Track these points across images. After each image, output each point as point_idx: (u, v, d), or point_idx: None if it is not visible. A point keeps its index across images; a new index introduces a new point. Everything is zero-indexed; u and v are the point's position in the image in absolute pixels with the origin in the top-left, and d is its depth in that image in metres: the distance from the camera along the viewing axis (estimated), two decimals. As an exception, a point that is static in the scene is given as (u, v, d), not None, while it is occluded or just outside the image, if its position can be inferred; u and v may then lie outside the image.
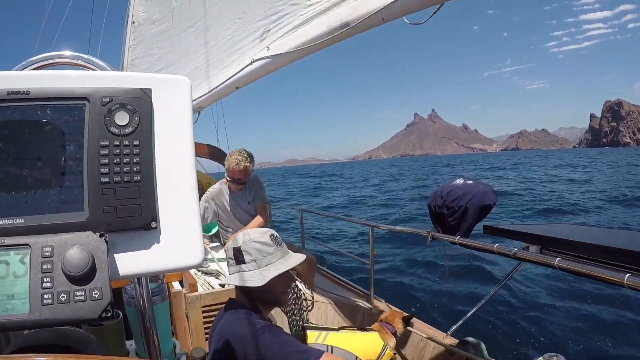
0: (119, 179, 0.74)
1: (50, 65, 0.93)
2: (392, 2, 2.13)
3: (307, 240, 5.03)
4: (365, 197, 26.09)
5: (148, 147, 0.78)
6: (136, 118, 0.77)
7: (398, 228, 3.04)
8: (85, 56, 0.94)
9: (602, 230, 2.95)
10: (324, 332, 2.26)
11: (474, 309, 2.62)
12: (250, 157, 3.74)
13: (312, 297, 3.01)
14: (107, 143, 0.74)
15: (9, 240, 0.67)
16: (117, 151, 0.75)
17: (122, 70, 7.38)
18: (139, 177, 0.76)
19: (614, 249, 1.84)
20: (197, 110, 5.17)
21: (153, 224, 0.76)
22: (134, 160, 0.76)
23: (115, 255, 0.74)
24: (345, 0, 2.51)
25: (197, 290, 2.68)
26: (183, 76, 0.88)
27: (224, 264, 3.28)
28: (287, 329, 2.86)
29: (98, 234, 0.70)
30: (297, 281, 3.07)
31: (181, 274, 2.84)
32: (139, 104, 0.78)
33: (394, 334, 2.42)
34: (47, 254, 0.66)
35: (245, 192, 3.85)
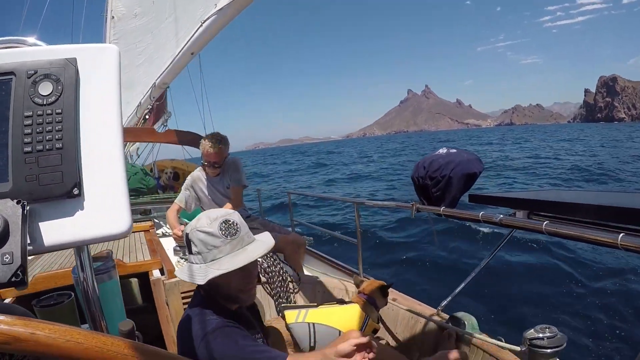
0: (41, 147, 0.75)
1: None
2: None
3: (296, 222, 4.98)
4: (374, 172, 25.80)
5: (70, 114, 0.78)
6: (60, 87, 0.78)
7: (383, 203, 2.98)
8: (21, 38, 0.92)
9: (592, 193, 2.86)
10: (303, 310, 2.23)
11: (464, 283, 2.55)
12: (224, 139, 3.69)
13: (299, 279, 2.94)
14: (30, 113, 0.76)
15: None
16: (40, 120, 0.76)
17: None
18: (60, 145, 0.76)
19: (604, 208, 1.75)
20: (162, 87, 5.09)
21: (75, 191, 0.75)
22: (56, 128, 0.76)
23: (40, 224, 0.75)
24: None
25: (175, 277, 2.60)
26: (111, 44, 0.89)
27: None
28: (273, 312, 2.79)
29: (15, 201, 0.70)
30: (281, 263, 3.00)
31: (161, 261, 2.78)
32: (63, 73, 0.79)
33: (374, 303, 2.39)
34: None
35: (223, 176, 3.78)
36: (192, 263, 1.46)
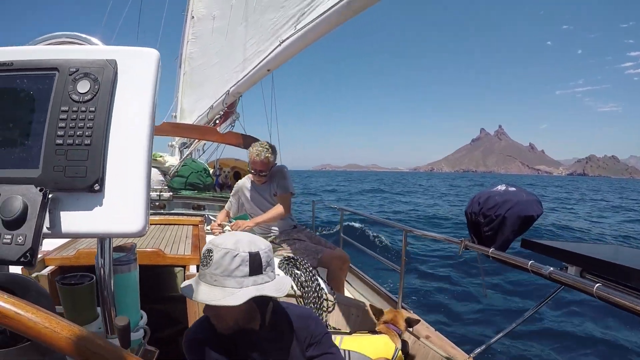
0: (71, 141, 0.80)
1: (53, 43, 1.00)
2: None
3: (344, 238, 4.97)
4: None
5: (103, 113, 0.82)
6: (96, 86, 0.83)
7: (431, 234, 2.88)
8: (82, 35, 1.01)
9: None
10: (338, 337, 2.28)
11: (501, 333, 2.42)
12: (272, 148, 3.73)
13: (335, 298, 2.90)
14: (66, 109, 0.81)
15: None
16: (74, 116, 0.81)
17: (180, 62, 7.67)
18: (89, 141, 0.80)
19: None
20: (236, 96, 5.24)
21: (96, 187, 0.80)
22: (87, 125, 0.81)
23: (61, 212, 0.80)
24: None
25: None
26: (152, 49, 0.90)
27: None
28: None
29: (39, 189, 0.77)
30: (319, 280, 2.98)
31: (199, 257, 2.86)
32: (101, 73, 0.84)
33: (400, 335, 2.41)
34: None
35: (270, 184, 3.83)
36: (268, 281, 1.42)
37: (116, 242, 1.20)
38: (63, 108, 0.81)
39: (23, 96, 0.82)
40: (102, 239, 0.98)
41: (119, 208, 0.81)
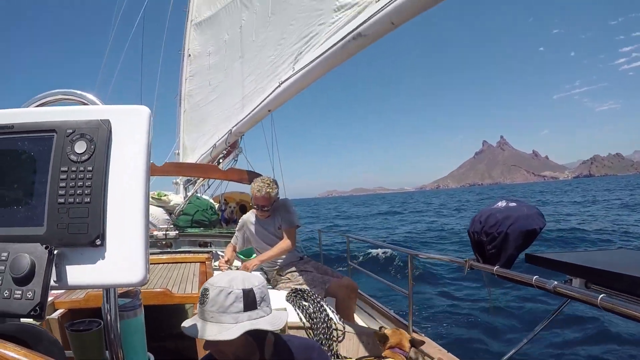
0: (72, 200, 0.85)
1: (49, 102, 1.07)
2: (397, 4, 2.19)
3: (352, 266, 4.96)
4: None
5: (100, 172, 0.88)
6: (92, 147, 0.88)
7: (437, 256, 2.88)
8: (78, 92, 1.07)
9: None
10: None
11: (513, 351, 2.39)
12: (273, 183, 3.80)
13: (344, 327, 2.88)
14: (66, 169, 0.87)
15: None
16: (73, 176, 0.86)
17: (180, 100, 7.81)
18: (89, 199, 0.85)
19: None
20: (238, 135, 5.32)
21: (98, 242, 0.84)
22: (86, 184, 0.86)
23: (67, 266, 0.85)
24: (360, 13, 2.51)
25: None
26: (143, 106, 0.97)
27: None
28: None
29: (44, 246, 0.81)
30: (327, 310, 2.97)
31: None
32: (97, 133, 0.89)
33: (406, 357, 2.39)
34: (3, 258, 0.80)
35: (274, 217, 3.87)
36: (263, 316, 1.49)
37: (122, 289, 1.24)
38: (63, 168, 0.86)
39: (25, 157, 0.88)
40: (108, 289, 1.03)
41: (120, 260, 0.86)
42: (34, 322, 0.92)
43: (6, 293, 0.78)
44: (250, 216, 4.01)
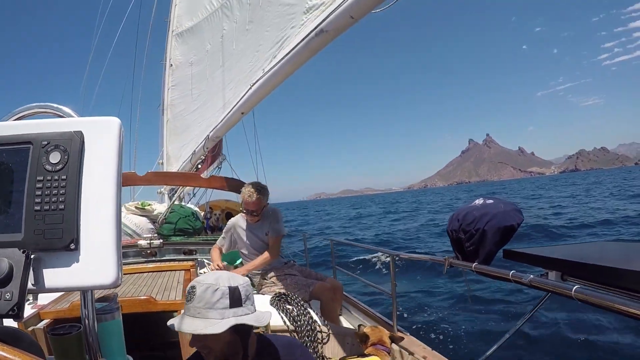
0: (47, 207, 0.90)
1: (27, 115, 1.12)
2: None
3: (337, 268, 4.98)
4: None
5: (74, 181, 0.93)
6: (66, 157, 0.94)
7: (417, 256, 2.92)
8: (54, 105, 1.11)
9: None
10: None
11: (492, 349, 2.43)
12: (263, 189, 3.82)
13: (328, 329, 2.90)
14: (41, 178, 0.92)
15: None
16: (49, 185, 0.92)
17: (163, 110, 7.81)
18: (62, 206, 0.91)
19: (637, 274, 1.61)
20: (215, 140, 5.35)
21: (72, 246, 0.90)
22: (61, 192, 0.92)
23: (43, 270, 0.90)
24: (322, 12, 2.58)
25: None
26: (114, 117, 1.02)
27: None
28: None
29: (22, 251, 0.86)
30: (311, 313, 2.98)
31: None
32: (70, 144, 0.95)
33: (388, 352, 2.45)
34: None
35: (262, 223, 3.88)
36: (248, 313, 1.54)
37: (100, 294, 1.28)
38: (39, 178, 0.92)
39: (3, 168, 0.93)
40: (85, 292, 1.06)
41: (94, 263, 0.91)
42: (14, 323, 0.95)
43: None
44: (239, 220, 4.00)
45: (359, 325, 2.76)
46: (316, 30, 2.66)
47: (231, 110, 4.09)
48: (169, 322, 1.55)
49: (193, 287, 1.51)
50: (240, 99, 3.81)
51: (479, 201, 2.64)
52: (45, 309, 2.54)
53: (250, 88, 3.54)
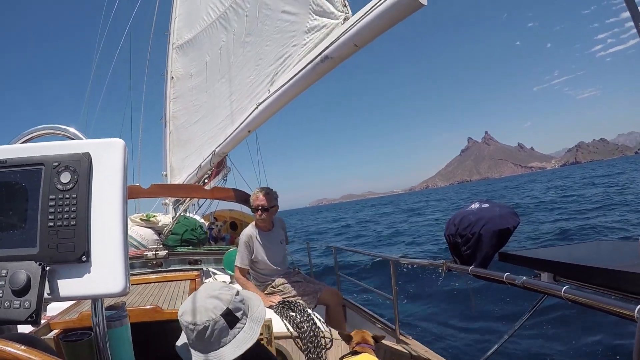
0: (60, 223, 0.99)
1: (36, 136, 1.21)
2: (359, 27, 2.33)
3: (340, 276, 5.05)
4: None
5: (83, 198, 1.02)
6: (76, 177, 1.03)
7: (416, 261, 2.97)
8: (62, 126, 1.21)
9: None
10: None
11: (491, 350, 2.49)
12: (272, 190, 3.90)
13: (331, 335, 2.95)
14: (54, 197, 1.01)
15: None
16: (60, 202, 1.01)
17: (165, 122, 7.89)
18: (74, 222, 1.00)
19: (624, 274, 1.67)
20: (221, 156, 5.41)
21: (83, 258, 0.99)
22: (72, 209, 1.01)
23: (58, 280, 0.99)
24: (327, 35, 2.63)
25: None
26: (118, 139, 1.12)
27: None
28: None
29: (38, 263, 0.95)
30: (315, 319, 3.04)
31: None
32: (79, 165, 1.04)
33: (374, 351, 2.47)
34: (3, 274, 0.93)
35: (276, 231, 3.98)
36: (242, 329, 1.54)
37: (109, 302, 1.37)
38: (51, 196, 1.01)
39: (18, 188, 1.02)
40: (95, 301, 1.16)
41: (104, 273, 1.00)
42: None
43: (6, 304, 0.91)
44: (252, 231, 3.92)
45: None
46: (321, 56, 2.75)
47: (238, 127, 4.16)
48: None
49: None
50: (247, 118, 3.87)
51: (474, 205, 2.69)
52: (54, 319, 2.61)
53: (256, 108, 3.62)
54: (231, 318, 1.50)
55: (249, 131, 4.02)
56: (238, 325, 1.52)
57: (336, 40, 2.61)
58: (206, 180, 6.50)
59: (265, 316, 1.58)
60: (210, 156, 5.43)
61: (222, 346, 1.47)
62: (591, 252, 2.34)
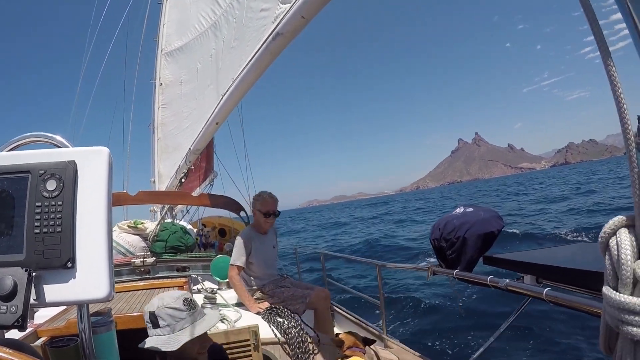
0: (46, 230, 1.01)
1: (23, 144, 1.22)
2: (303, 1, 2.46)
3: (328, 280, 5.10)
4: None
5: (69, 206, 1.04)
6: (61, 184, 1.05)
7: (402, 265, 3.00)
8: (48, 134, 1.23)
9: None
10: None
11: (477, 352, 2.53)
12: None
13: (319, 340, 2.96)
14: (40, 204, 1.03)
15: None
16: (47, 210, 1.02)
17: (153, 128, 7.86)
18: (60, 229, 1.02)
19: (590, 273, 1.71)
20: (197, 153, 5.45)
21: (69, 264, 1.01)
22: (57, 216, 1.02)
23: (44, 286, 1.01)
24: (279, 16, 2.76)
25: None
26: (103, 147, 1.14)
27: (226, 310, 3.37)
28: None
29: (24, 269, 0.97)
30: (302, 323, 3.04)
31: None
32: (64, 173, 1.06)
33: (364, 354, 2.53)
34: None
35: (270, 235, 4.02)
36: (160, 335, 1.73)
37: (95, 308, 1.39)
38: (37, 204, 1.02)
39: (4, 195, 1.03)
40: (81, 307, 1.18)
41: (89, 280, 1.02)
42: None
43: None
44: (251, 233, 3.93)
45: (337, 334, 2.86)
46: (272, 34, 2.84)
47: (207, 122, 4.23)
48: (187, 337, 1.74)
49: (190, 299, 1.83)
50: (214, 111, 3.94)
51: (459, 210, 2.72)
52: (42, 327, 2.60)
53: (221, 98, 3.67)
54: (154, 320, 1.75)
55: (217, 123, 4.11)
56: (157, 331, 1.74)
57: (285, 15, 2.69)
58: (182, 181, 6.48)
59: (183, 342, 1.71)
60: (186, 155, 5.48)
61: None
62: (575, 254, 2.37)
